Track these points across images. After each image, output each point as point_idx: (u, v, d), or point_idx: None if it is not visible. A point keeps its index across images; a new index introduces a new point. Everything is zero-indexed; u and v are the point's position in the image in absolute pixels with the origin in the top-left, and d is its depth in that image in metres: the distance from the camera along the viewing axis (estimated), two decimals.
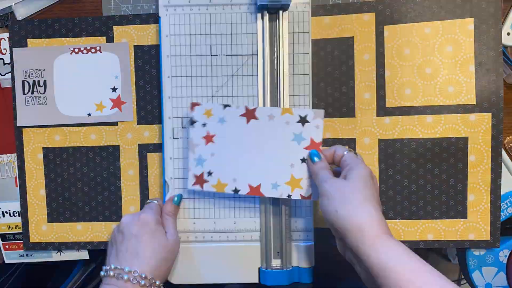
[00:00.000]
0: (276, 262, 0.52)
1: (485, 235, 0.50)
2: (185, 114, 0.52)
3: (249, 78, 0.52)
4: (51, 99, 0.55)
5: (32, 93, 0.55)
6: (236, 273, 0.52)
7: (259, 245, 0.52)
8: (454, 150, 0.50)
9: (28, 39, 0.55)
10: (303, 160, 0.48)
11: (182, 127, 0.53)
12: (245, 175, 0.49)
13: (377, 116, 0.51)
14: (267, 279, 0.51)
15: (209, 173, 0.49)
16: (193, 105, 0.49)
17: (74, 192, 0.55)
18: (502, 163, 0.52)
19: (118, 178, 0.55)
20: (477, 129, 0.50)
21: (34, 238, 0.56)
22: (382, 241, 0.39)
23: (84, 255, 0.57)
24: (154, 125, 0.54)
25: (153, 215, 0.49)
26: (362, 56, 0.51)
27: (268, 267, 0.51)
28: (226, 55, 0.52)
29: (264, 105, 0.51)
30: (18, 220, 0.57)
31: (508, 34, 0.51)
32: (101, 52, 0.54)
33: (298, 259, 0.52)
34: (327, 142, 0.52)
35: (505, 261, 0.53)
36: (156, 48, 0.54)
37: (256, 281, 0.52)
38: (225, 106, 0.49)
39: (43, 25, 0.54)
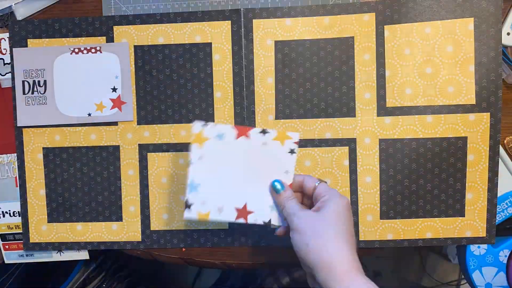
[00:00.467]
0: None
1: (481, 232, 0.52)
2: None
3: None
4: (51, 99, 0.56)
5: (32, 93, 0.56)
6: None
7: None
8: (454, 150, 0.52)
9: (28, 39, 0.56)
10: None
11: None
12: (231, 198, 0.47)
13: (377, 116, 0.53)
14: None
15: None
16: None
17: (74, 192, 0.56)
18: (502, 163, 0.54)
19: (118, 178, 0.56)
20: (476, 129, 0.52)
21: (34, 238, 0.57)
22: (351, 278, 0.38)
23: (84, 255, 0.58)
24: (154, 125, 0.55)
25: None
26: (362, 56, 0.52)
27: None
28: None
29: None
30: (18, 220, 0.58)
31: (508, 34, 0.53)
32: (101, 52, 0.55)
33: None
34: (327, 143, 0.53)
35: (505, 261, 0.54)
36: (156, 48, 0.55)
37: None
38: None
39: (43, 25, 0.55)
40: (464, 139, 0.52)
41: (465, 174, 0.52)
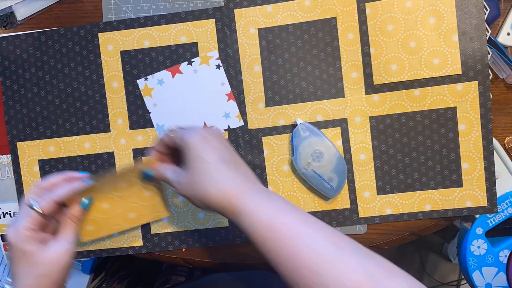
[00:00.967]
0: None
1: (482, 202, 0.54)
2: None
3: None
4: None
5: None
6: None
7: None
8: (444, 121, 0.54)
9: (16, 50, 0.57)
10: None
11: None
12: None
13: (366, 94, 0.54)
14: None
15: None
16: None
17: None
18: (502, 163, 0.55)
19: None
20: (465, 98, 0.53)
21: None
22: (238, 203, 0.38)
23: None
24: (147, 129, 0.57)
25: (20, 231, 0.44)
26: (346, 35, 0.54)
27: None
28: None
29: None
30: None
31: (508, 34, 0.54)
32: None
33: None
34: (319, 125, 0.55)
35: (505, 261, 0.55)
36: (143, 52, 0.56)
37: None
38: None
39: (29, 39, 0.57)
40: (453, 109, 0.53)
41: (458, 144, 0.54)
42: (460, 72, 0.53)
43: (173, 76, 0.56)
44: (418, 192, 0.55)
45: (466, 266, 0.56)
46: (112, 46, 0.56)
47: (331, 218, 0.56)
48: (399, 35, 0.53)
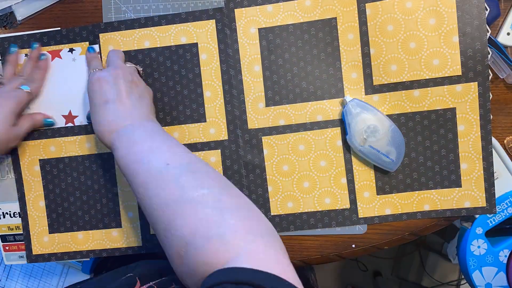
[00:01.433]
0: None
1: (481, 202, 0.55)
2: None
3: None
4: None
5: None
6: None
7: None
8: (443, 121, 0.55)
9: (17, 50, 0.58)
10: None
11: None
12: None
13: (365, 94, 0.55)
14: None
15: None
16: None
17: (73, 202, 0.59)
18: (502, 163, 0.56)
19: (114, 184, 0.59)
20: (464, 99, 0.54)
21: (36, 250, 0.60)
22: (112, 139, 0.47)
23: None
24: None
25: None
26: (346, 36, 0.55)
27: None
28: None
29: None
30: (18, 221, 0.60)
31: (508, 34, 0.55)
32: None
33: None
34: (319, 125, 0.56)
35: (505, 261, 0.56)
36: (143, 52, 0.57)
37: None
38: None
39: (32, 39, 0.58)
40: (452, 110, 0.55)
41: (457, 145, 0.55)
42: (460, 73, 0.54)
43: (52, 58, 0.59)
44: (417, 192, 0.56)
45: (466, 266, 0.57)
46: (112, 46, 0.58)
47: (331, 218, 0.57)
48: (399, 36, 0.54)
